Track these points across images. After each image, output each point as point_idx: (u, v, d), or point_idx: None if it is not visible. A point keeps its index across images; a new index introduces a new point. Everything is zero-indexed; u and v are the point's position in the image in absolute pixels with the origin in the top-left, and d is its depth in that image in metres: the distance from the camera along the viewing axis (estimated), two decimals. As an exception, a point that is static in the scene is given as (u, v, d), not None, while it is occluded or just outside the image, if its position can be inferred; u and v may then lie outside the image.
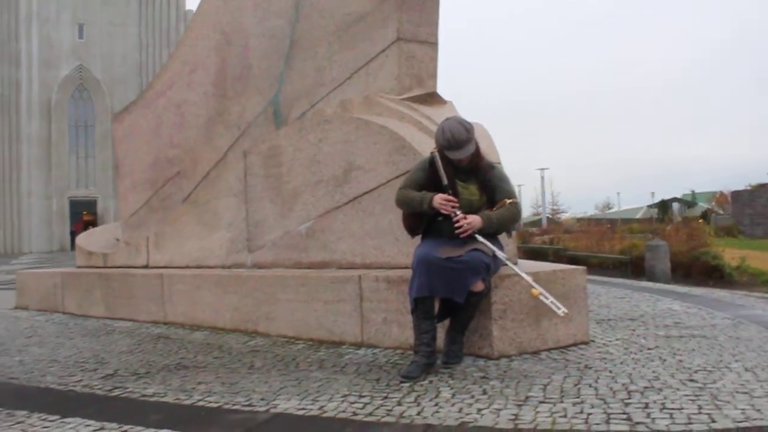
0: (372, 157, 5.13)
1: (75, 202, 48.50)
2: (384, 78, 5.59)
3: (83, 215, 46.80)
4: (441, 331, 4.02)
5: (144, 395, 3.71)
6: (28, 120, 48.03)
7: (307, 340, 5.10)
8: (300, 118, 6.15)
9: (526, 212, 64.83)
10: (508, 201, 3.93)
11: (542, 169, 49.78)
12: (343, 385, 3.67)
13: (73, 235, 35.85)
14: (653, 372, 3.63)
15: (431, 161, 3.96)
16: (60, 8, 48.96)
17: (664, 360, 3.93)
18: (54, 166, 48.35)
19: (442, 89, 5.63)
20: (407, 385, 3.60)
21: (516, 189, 4.45)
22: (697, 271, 16.67)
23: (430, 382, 3.62)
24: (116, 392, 3.82)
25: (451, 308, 3.92)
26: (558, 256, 20.10)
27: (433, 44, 5.66)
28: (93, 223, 40.58)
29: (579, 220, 52.68)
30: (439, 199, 3.82)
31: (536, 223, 52.63)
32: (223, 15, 7.23)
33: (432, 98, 5.53)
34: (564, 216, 65.76)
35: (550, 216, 58.03)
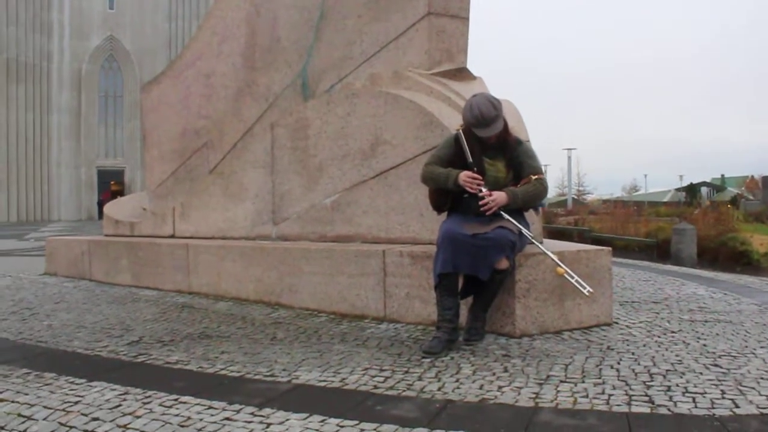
0: (399, 132, 5.11)
1: (103, 172, 49.10)
2: (414, 52, 5.54)
3: (111, 185, 47.40)
4: (464, 308, 4.02)
5: (168, 362, 3.76)
6: (59, 90, 48.55)
7: (330, 313, 5.13)
8: (328, 91, 6.13)
9: (552, 192, 64.39)
10: (534, 177, 3.89)
11: (569, 149, 49.25)
12: (364, 359, 3.69)
13: (101, 204, 36.29)
14: (676, 355, 3.60)
15: (456, 138, 3.93)
16: (91, -22, 49.19)
17: (688, 344, 3.90)
18: (83, 136, 48.93)
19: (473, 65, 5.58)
20: (428, 360, 3.61)
21: (543, 166, 4.39)
22: (725, 256, 16.45)
23: (452, 358, 3.63)
24: (141, 358, 3.87)
25: (474, 285, 3.91)
26: (582, 238, 19.94)
27: (464, 19, 5.59)
28: (120, 193, 41.11)
29: (605, 201, 52.18)
30: (465, 176, 3.80)
31: (561, 203, 52.24)
32: (253, -14, 7.19)
33: (461, 73, 5.48)
34: (590, 197, 65.21)
35: (576, 197, 57.55)
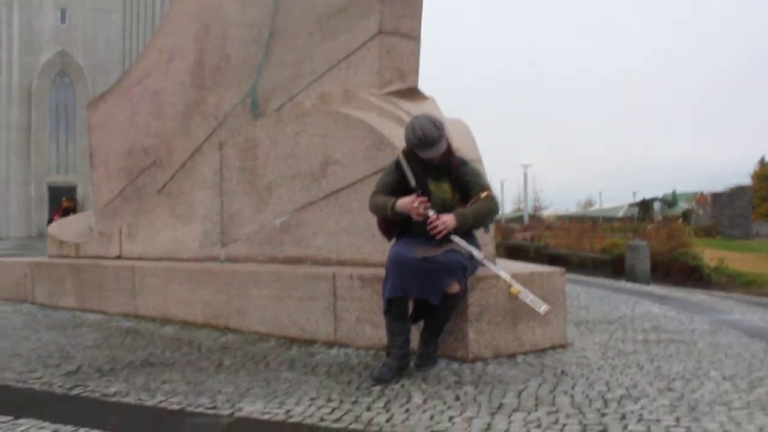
0: (350, 152, 5.01)
1: (54, 188, 47.94)
2: (365, 71, 5.46)
3: (62, 201, 46.25)
4: (415, 332, 3.92)
5: (105, 395, 3.56)
6: (8, 106, 47.35)
7: (279, 337, 4.97)
8: (278, 110, 6.01)
9: (508, 208, 65.05)
10: (483, 194, 3.81)
11: (525, 166, 49.84)
12: (312, 387, 3.55)
13: (51, 221, 35.38)
14: (631, 379, 3.54)
15: (398, 163, 3.84)
16: (42, -9, 48.25)
17: (642, 366, 3.85)
18: (33, 152, 47.75)
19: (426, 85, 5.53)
20: (378, 388, 3.49)
21: (491, 182, 4.33)
22: (677, 271, 16.76)
23: (402, 386, 3.51)
24: (76, 390, 3.67)
25: (425, 309, 3.81)
26: (539, 254, 20.13)
27: (416, 38, 5.54)
28: (73, 210, 40.09)
29: (560, 217, 52.87)
30: (408, 202, 3.70)
31: (518, 219, 52.76)
32: (203, 3, 7.06)
33: (413, 93, 5.41)
34: (546, 212, 65.99)
35: (532, 212, 58.17)
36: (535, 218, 52.36)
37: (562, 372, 3.73)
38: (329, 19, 5.69)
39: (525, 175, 49.79)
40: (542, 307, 3.66)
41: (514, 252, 21.23)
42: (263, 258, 5.64)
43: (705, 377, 3.60)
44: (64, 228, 9.13)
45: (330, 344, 4.64)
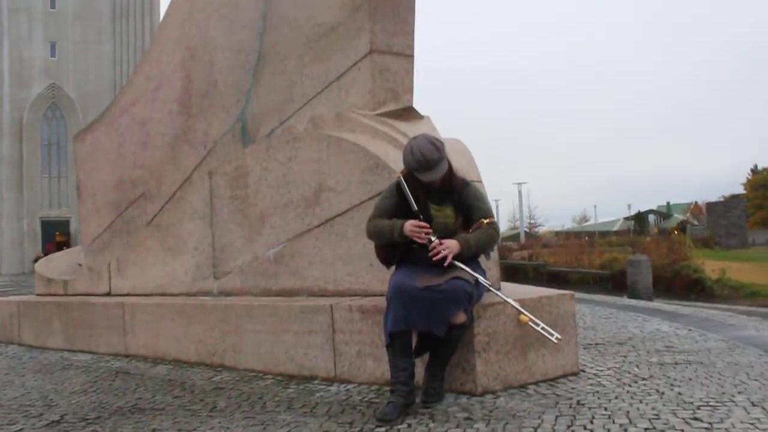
0: (344, 177, 4.81)
1: (47, 223, 47.62)
2: (357, 92, 5.27)
3: (56, 236, 45.91)
4: (420, 365, 3.69)
5: (89, 447, 3.32)
6: (0, 140, 47.18)
7: (277, 374, 4.72)
8: (269, 135, 5.81)
9: (504, 226, 64.87)
10: (485, 221, 3.61)
11: (520, 184, 49.76)
12: (311, 431, 3.31)
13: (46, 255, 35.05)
14: (652, 409, 3.31)
15: (398, 186, 3.63)
16: (32, 26, 48.31)
17: (662, 393, 3.62)
18: (25, 186, 47.52)
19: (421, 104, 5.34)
20: (383, 429, 3.25)
21: (493, 206, 4.12)
22: (679, 285, 16.56)
23: (408, 425, 3.28)
24: (58, 444, 3.43)
25: (430, 342, 3.58)
26: (538, 273, 19.91)
27: (409, 56, 5.35)
28: (67, 244, 39.78)
29: (557, 233, 52.76)
30: (410, 227, 3.49)
31: (514, 237, 52.63)
32: (189, 28, 6.88)
33: (408, 113, 5.21)
34: (542, 230, 65.92)
35: (528, 230, 58.06)
36: (532, 236, 52.26)
37: (578, 403, 3.50)
38: (319, 40, 5.51)
39: (520, 193, 49.72)
40: (554, 336, 3.43)
41: (512, 272, 20.98)
42: (257, 291, 5.40)
43: (731, 403, 3.37)
44: (53, 264, 8.87)
45: (330, 381, 4.39)
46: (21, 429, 3.79)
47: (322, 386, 4.29)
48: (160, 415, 3.88)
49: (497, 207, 57.37)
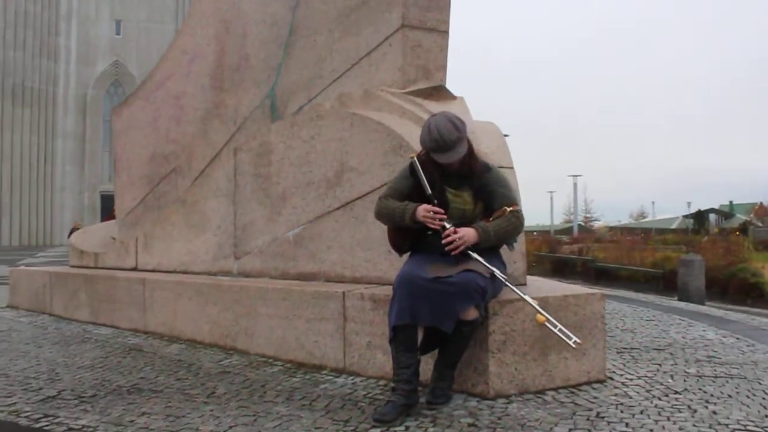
0: (366, 158, 4.55)
1: (107, 197, 48.72)
2: (387, 69, 5.00)
3: (113, 210, 46.98)
4: (429, 362, 3.42)
5: (71, 428, 3.16)
6: (64, 115, 48.58)
7: (286, 361, 4.51)
8: (296, 113, 5.58)
9: (558, 219, 63.69)
10: (508, 209, 3.30)
11: (575, 176, 48.61)
12: (302, 428, 3.08)
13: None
14: (680, 429, 2.97)
15: (412, 167, 3.35)
16: (99, 5, 49.45)
17: (694, 411, 3.26)
18: (87, 160, 48.85)
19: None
20: (379, 430, 3.00)
21: (519, 195, 3.80)
22: (734, 288, 15.78)
23: (406, 428, 3.02)
24: (42, 422, 3.27)
25: (437, 339, 3.29)
26: (586, 268, 19.30)
27: (443, 32, 5.04)
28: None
29: (612, 228, 51.50)
30: (423, 211, 3.21)
31: (568, 230, 51.59)
32: (223, 1, 6.70)
33: (439, 92, 4.91)
34: (597, 224, 64.48)
35: (583, 223, 56.88)
36: (586, 230, 51.12)
37: (598, 415, 3.18)
38: (350, 14, 5.25)
39: (574, 185, 48.59)
40: (573, 339, 3.11)
41: (560, 266, 20.42)
42: (276, 273, 5.20)
43: (772, 427, 3.00)
44: (88, 237, 8.88)
45: (338, 372, 4.15)
46: (15, 402, 3.67)
47: (329, 377, 4.05)
48: (155, 398, 3.71)
49: (552, 198, 56.34)
